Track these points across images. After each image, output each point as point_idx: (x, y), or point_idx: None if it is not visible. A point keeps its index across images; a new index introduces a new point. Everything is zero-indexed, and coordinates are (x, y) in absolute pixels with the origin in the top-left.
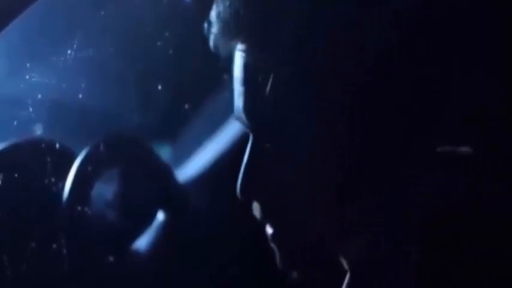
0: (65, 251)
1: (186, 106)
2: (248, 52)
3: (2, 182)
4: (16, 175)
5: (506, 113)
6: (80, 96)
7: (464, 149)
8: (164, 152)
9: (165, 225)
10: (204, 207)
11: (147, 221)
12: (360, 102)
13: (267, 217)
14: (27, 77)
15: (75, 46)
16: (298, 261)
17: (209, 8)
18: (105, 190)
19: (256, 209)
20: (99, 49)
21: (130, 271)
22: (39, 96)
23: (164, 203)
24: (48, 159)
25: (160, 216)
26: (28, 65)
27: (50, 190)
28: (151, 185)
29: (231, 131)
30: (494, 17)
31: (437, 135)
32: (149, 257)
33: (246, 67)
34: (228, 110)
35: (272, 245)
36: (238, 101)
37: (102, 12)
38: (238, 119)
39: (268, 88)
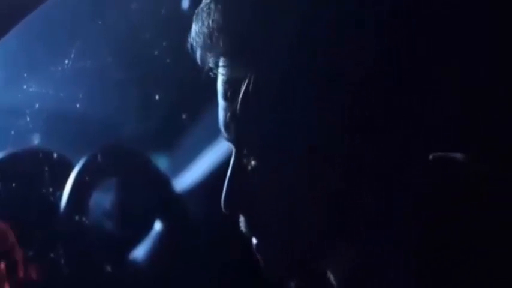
0: (62, 261)
1: (184, 116)
2: (224, 65)
3: None
4: (14, 185)
5: (506, 113)
6: (78, 106)
7: (464, 150)
8: (162, 162)
9: (163, 235)
10: (201, 217)
11: (145, 230)
12: (360, 102)
13: (251, 230)
14: (24, 86)
15: (72, 56)
16: (283, 272)
17: None
18: (103, 199)
19: (242, 222)
20: (97, 59)
21: (128, 280)
22: (37, 106)
23: (162, 213)
24: (46, 169)
25: (158, 225)
26: (26, 75)
27: (48, 200)
28: (149, 194)
29: None
30: (494, 17)
31: (437, 135)
32: (147, 266)
33: (224, 81)
34: None
35: (258, 256)
36: (220, 114)
37: (100, 22)
38: (221, 133)
39: (240, 102)
